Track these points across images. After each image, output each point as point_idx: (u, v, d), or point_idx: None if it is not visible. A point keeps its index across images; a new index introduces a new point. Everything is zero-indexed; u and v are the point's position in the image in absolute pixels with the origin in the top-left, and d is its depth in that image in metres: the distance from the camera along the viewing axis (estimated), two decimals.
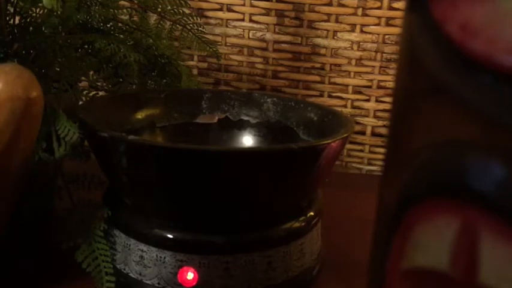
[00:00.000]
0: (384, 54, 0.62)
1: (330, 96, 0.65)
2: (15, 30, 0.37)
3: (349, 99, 0.65)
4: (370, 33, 0.62)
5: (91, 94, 0.42)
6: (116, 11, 0.44)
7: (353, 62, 0.63)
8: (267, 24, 0.63)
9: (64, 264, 0.34)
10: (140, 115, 0.43)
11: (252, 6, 0.63)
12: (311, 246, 0.36)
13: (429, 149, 0.14)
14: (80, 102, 0.40)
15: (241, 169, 0.31)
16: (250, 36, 0.64)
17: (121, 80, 0.44)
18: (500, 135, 0.12)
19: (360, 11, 0.61)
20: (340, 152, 0.36)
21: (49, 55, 0.37)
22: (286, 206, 0.35)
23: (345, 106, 0.65)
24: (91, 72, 0.43)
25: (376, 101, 0.64)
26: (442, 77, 0.13)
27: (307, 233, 0.36)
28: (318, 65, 0.64)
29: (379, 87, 0.64)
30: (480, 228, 0.12)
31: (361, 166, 0.67)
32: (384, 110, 0.64)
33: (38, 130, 0.35)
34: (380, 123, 0.65)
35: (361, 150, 0.66)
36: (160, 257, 0.32)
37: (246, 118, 0.46)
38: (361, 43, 0.62)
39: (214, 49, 0.53)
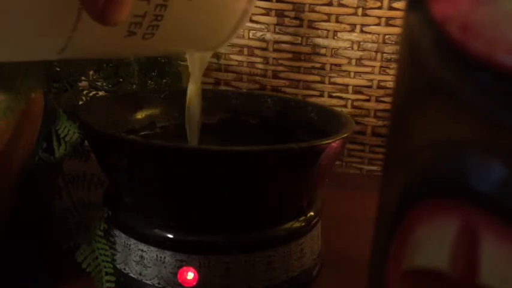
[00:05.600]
0: (384, 54, 0.62)
1: (330, 96, 0.65)
2: None
3: (349, 99, 0.64)
4: (370, 33, 0.62)
5: (91, 94, 0.42)
6: None
7: (353, 62, 0.63)
8: (267, 24, 0.63)
9: (64, 264, 0.34)
10: (140, 115, 0.43)
11: None
12: (311, 246, 0.36)
13: (429, 149, 0.14)
14: (80, 102, 0.40)
15: (241, 169, 0.31)
16: (250, 36, 0.64)
17: (121, 80, 0.44)
18: (500, 135, 0.12)
19: (360, 11, 0.61)
20: (340, 152, 0.36)
21: None
22: (286, 206, 0.35)
23: (345, 106, 0.65)
24: (91, 72, 0.43)
25: (377, 100, 0.64)
26: (442, 76, 0.13)
27: (308, 233, 0.36)
28: (318, 65, 0.64)
29: (379, 87, 0.64)
30: (480, 228, 0.12)
31: (361, 166, 0.67)
32: (384, 110, 0.64)
33: (38, 130, 0.35)
34: (380, 123, 0.65)
35: (362, 150, 0.66)
36: (161, 257, 0.32)
37: (246, 118, 0.46)
38: (361, 43, 0.62)
39: None
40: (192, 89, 0.35)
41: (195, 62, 0.34)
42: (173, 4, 0.25)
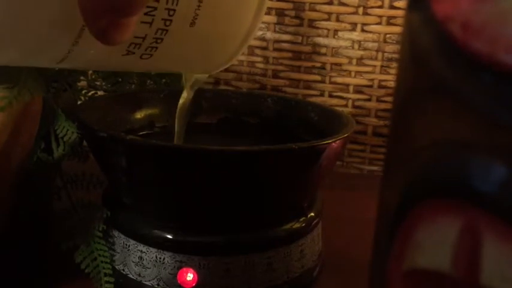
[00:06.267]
0: (385, 54, 0.62)
1: (330, 95, 0.65)
2: None
3: (350, 98, 0.64)
4: (371, 32, 0.62)
5: (90, 94, 0.42)
6: None
7: (354, 61, 0.63)
8: (267, 23, 0.63)
9: (64, 264, 0.34)
10: (139, 115, 0.43)
11: None
12: (312, 247, 0.36)
13: (430, 149, 0.14)
14: (79, 102, 0.40)
15: (241, 169, 0.31)
16: None
17: (120, 79, 0.44)
18: (501, 134, 0.11)
19: (360, 10, 0.61)
20: (341, 152, 0.36)
21: None
22: (286, 206, 0.35)
23: (346, 106, 0.65)
24: (90, 72, 0.43)
25: (377, 100, 0.64)
26: (443, 76, 0.13)
27: (308, 234, 0.36)
28: (319, 64, 0.64)
29: (380, 86, 0.64)
30: (481, 228, 0.12)
31: (362, 166, 0.67)
32: (385, 110, 0.64)
33: (36, 130, 0.35)
34: (381, 123, 0.65)
35: (362, 150, 0.66)
36: (160, 258, 0.32)
37: (246, 118, 0.46)
38: (362, 42, 0.62)
39: None
40: (184, 98, 0.36)
41: (190, 80, 0.35)
42: (174, 29, 0.25)
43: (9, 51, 0.22)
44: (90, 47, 0.22)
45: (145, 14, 0.23)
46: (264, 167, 0.31)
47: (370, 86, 0.64)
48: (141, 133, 0.42)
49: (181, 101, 0.36)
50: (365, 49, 0.62)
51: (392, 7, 0.61)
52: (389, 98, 0.64)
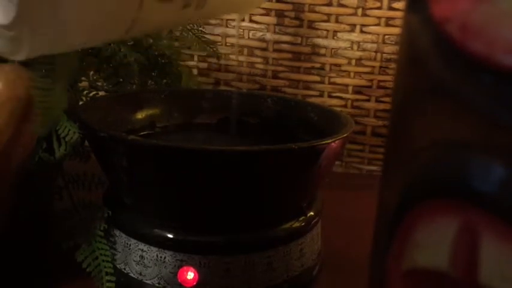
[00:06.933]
0: (383, 54, 0.62)
1: (330, 96, 0.65)
2: None
3: (349, 99, 0.65)
4: (370, 33, 0.62)
5: (91, 94, 0.42)
6: None
7: (353, 62, 0.63)
8: (267, 24, 0.63)
9: (64, 264, 0.34)
10: (140, 115, 0.43)
11: None
12: (311, 246, 0.36)
13: (429, 150, 0.14)
14: (80, 102, 0.40)
15: (241, 169, 0.31)
16: (250, 36, 0.64)
17: (121, 80, 0.44)
18: (500, 134, 0.12)
19: (359, 11, 0.61)
20: (340, 152, 0.36)
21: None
22: (286, 206, 0.35)
23: (345, 106, 0.65)
24: (91, 72, 0.43)
25: (376, 101, 0.64)
26: (442, 77, 0.13)
27: (307, 233, 0.36)
28: (318, 65, 0.64)
29: (379, 87, 0.64)
30: (480, 228, 0.12)
31: (361, 166, 0.67)
32: (384, 110, 0.64)
33: None
34: (380, 123, 0.65)
35: (362, 150, 0.66)
36: (161, 257, 0.32)
37: (245, 118, 0.46)
38: (361, 43, 0.62)
39: (215, 49, 0.53)
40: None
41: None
42: None
43: (85, 33, 0.25)
44: (152, 9, 0.25)
45: None
46: (264, 167, 0.31)
47: (369, 87, 0.64)
48: (142, 133, 0.42)
49: None
50: (364, 50, 0.63)
51: (391, 8, 0.61)
52: (388, 99, 0.64)
